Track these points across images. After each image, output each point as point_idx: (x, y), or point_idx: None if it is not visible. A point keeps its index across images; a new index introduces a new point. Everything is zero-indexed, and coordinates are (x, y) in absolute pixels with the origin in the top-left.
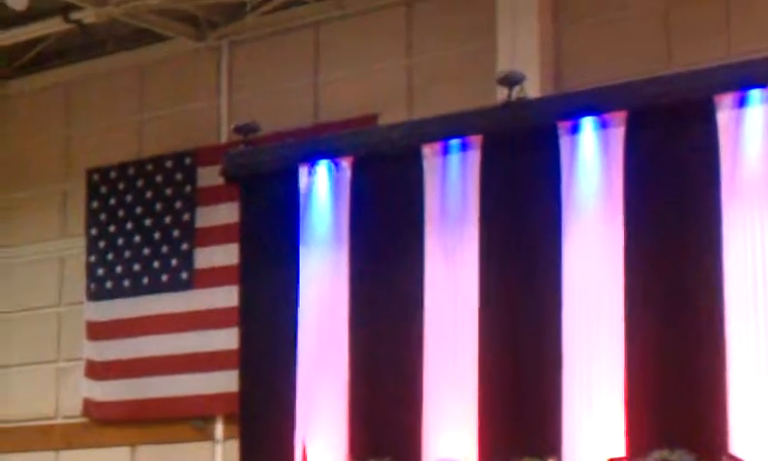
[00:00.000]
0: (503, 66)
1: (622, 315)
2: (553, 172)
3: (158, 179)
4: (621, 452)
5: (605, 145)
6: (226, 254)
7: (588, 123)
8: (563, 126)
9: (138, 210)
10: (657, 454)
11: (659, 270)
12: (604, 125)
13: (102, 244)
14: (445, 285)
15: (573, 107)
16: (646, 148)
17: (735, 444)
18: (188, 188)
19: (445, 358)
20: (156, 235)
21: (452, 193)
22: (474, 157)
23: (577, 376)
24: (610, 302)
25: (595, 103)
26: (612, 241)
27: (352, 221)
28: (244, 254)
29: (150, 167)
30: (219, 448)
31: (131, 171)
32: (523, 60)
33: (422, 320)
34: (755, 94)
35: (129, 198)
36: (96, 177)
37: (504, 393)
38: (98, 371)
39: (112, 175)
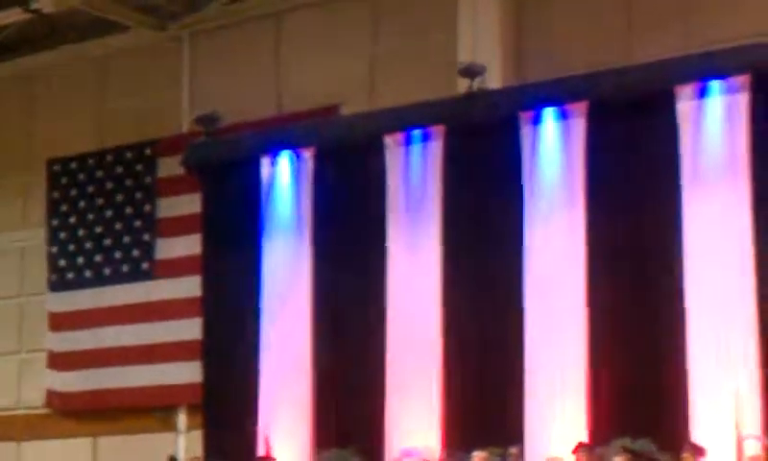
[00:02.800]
0: (464, 57)
1: (584, 304)
2: (515, 162)
3: (119, 169)
4: (584, 440)
5: (566, 135)
6: (187, 245)
7: (549, 113)
8: (524, 116)
9: (99, 201)
10: (619, 442)
11: (620, 258)
12: (565, 115)
13: (63, 235)
14: (408, 275)
15: (534, 97)
16: (607, 138)
17: (697, 432)
18: (149, 179)
19: (408, 348)
20: (118, 226)
21: (414, 183)
22: (436, 147)
23: (540, 366)
24: (572, 291)
25: (556, 94)
26: (573, 230)
27: (315, 211)
28: (206, 244)
29: (110, 158)
30: (182, 439)
31: (91, 162)
32: (484, 51)
33: (385, 309)
34: (714, 85)
35: (90, 189)
36: (57, 167)
37: (467, 383)
38: (60, 361)
39: (73, 166)
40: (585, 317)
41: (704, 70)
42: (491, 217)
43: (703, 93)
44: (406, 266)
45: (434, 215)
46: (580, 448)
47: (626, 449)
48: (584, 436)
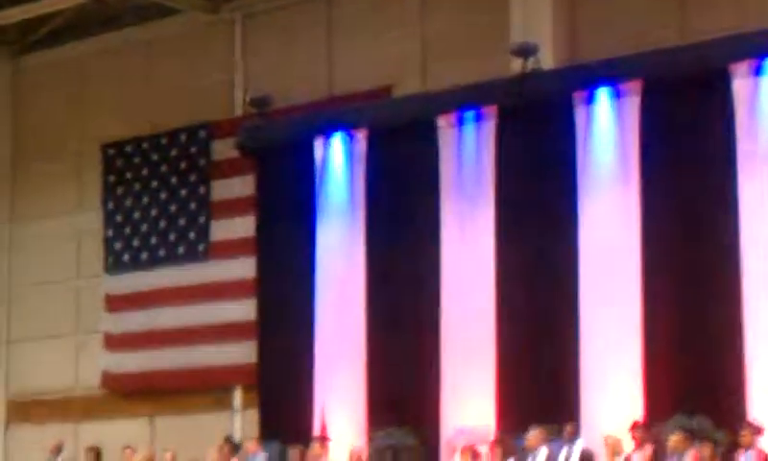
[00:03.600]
0: (517, 37)
1: (640, 283)
2: (568, 142)
3: (173, 152)
4: (640, 418)
5: (620, 115)
6: (242, 226)
7: (603, 93)
8: (578, 96)
9: (154, 184)
10: (676, 420)
11: (676, 238)
12: (619, 95)
13: (118, 218)
14: (462, 256)
15: (588, 77)
16: (662, 117)
17: (755, 411)
18: (203, 161)
19: (463, 328)
20: (173, 208)
21: (467, 164)
22: (489, 127)
23: (595, 344)
24: (627, 269)
25: (610, 73)
26: (628, 210)
27: (368, 192)
28: (260, 225)
29: (164, 141)
30: (237, 418)
31: (145, 145)
32: (537, 30)
33: (439, 290)
34: None
35: (144, 171)
36: (111, 151)
37: (522, 361)
38: (116, 343)
39: (127, 149)
40: (640, 297)
41: (759, 47)
42: (544, 197)
43: (758, 71)
44: (460, 247)
45: (487, 195)
46: (636, 426)
47: (682, 428)
48: (640, 414)
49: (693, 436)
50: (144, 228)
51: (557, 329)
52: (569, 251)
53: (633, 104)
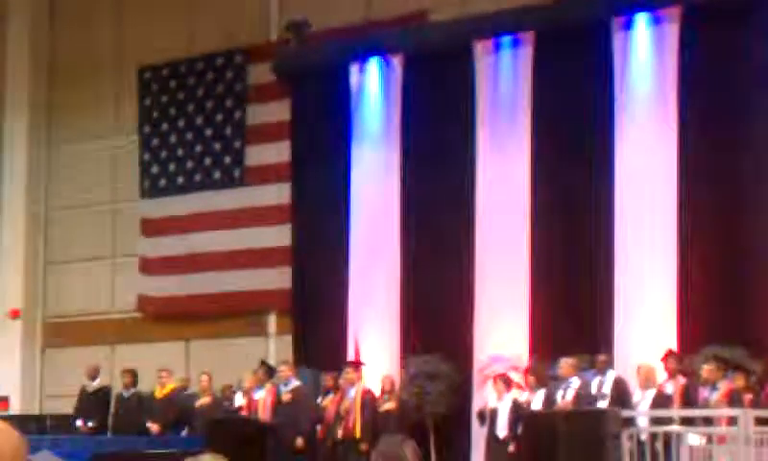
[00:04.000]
0: None
1: (675, 213)
2: (606, 68)
3: (209, 76)
4: (673, 348)
5: (659, 42)
6: (277, 152)
7: (641, 19)
8: (616, 22)
9: (190, 108)
10: (709, 350)
11: (714, 169)
12: (658, 21)
13: (155, 142)
14: (497, 184)
15: (626, 2)
16: (701, 45)
17: None
18: (239, 86)
19: (497, 255)
20: (208, 133)
21: (504, 90)
22: (526, 53)
23: (630, 275)
24: (663, 200)
25: None
26: (665, 139)
27: (403, 118)
28: (295, 151)
29: (201, 65)
30: (272, 343)
31: (182, 69)
32: None
33: (474, 218)
34: None
35: (180, 96)
36: (148, 75)
37: (556, 290)
38: (152, 267)
39: (164, 73)
40: (675, 227)
41: None
42: (581, 124)
43: None
44: (495, 174)
45: (523, 122)
46: (669, 355)
47: (716, 357)
48: (673, 344)
49: (726, 365)
50: (180, 152)
51: (591, 259)
52: (605, 179)
53: (671, 31)
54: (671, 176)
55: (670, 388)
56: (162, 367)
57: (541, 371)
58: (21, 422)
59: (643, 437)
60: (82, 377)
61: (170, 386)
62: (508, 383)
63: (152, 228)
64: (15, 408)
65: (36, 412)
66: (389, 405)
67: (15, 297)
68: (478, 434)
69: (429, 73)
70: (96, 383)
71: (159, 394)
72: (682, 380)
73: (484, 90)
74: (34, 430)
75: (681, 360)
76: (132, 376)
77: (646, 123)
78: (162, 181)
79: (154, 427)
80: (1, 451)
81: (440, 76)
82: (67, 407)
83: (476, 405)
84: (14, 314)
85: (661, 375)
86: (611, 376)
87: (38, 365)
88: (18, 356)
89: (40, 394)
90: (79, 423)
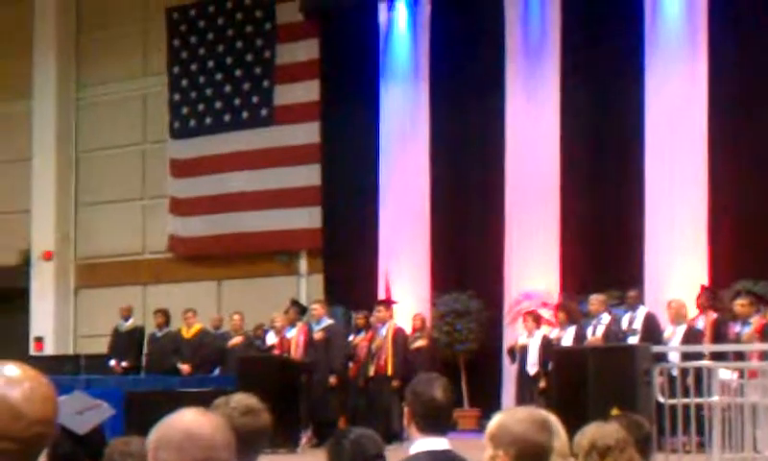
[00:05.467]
0: None
1: (706, 149)
2: (636, 2)
3: (238, 16)
4: (704, 284)
5: None
6: (306, 91)
7: None
8: None
9: (219, 49)
10: (740, 285)
11: (745, 105)
12: None
13: (184, 82)
14: (527, 122)
15: None
16: None
17: None
18: (268, 25)
19: (528, 193)
20: (238, 73)
21: (533, 27)
22: None
23: (660, 210)
24: (694, 135)
25: None
26: (695, 71)
27: (432, 56)
28: (324, 90)
29: (230, 5)
30: (303, 283)
31: (210, 9)
32: None
33: (504, 155)
34: None
35: (209, 36)
36: (176, 15)
37: (586, 226)
38: (182, 207)
39: (192, 13)
40: (706, 163)
41: None
42: (611, 59)
43: None
44: (525, 112)
45: (553, 60)
46: (701, 291)
47: (749, 292)
48: (704, 279)
49: (757, 300)
50: (209, 92)
51: (621, 195)
52: (636, 113)
53: None
54: (702, 111)
55: (701, 323)
56: (189, 308)
57: (572, 307)
58: (55, 362)
59: (674, 372)
60: (115, 318)
61: (197, 326)
62: (538, 320)
63: (181, 168)
64: (50, 349)
65: (71, 352)
66: (420, 343)
67: (48, 239)
68: (509, 371)
69: (458, 11)
70: (129, 323)
71: (187, 334)
72: (713, 315)
73: (513, 27)
74: (68, 370)
75: (715, 296)
76: (165, 316)
77: (677, 59)
78: (192, 122)
79: (185, 368)
80: (32, 401)
81: (468, 12)
82: (101, 347)
83: (507, 342)
84: (47, 256)
85: (693, 310)
86: (641, 312)
87: (72, 306)
88: (52, 298)
89: (74, 334)
90: (112, 362)
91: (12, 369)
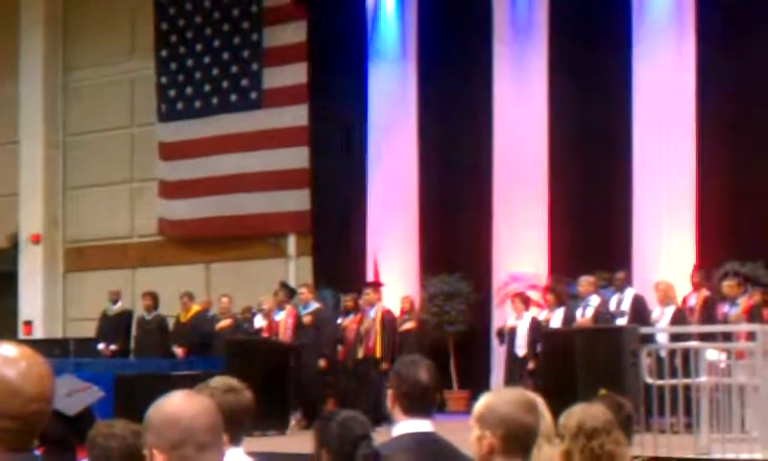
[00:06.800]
0: None
1: (694, 129)
2: None
3: None
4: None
5: None
6: (294, 74)
7: None
8: None
9: (207, 31)
10: (728, 266)
11: (732, 83)
12: None
13: (172, 65)
14: (514, 101)
15: None
16: None
17: None
18: (255, 8)
19: (515, 173)
20: (225, 56)
21: (521, 8)
22: None
23: (648, 192)
24: (681, 114)
25: None
26: (683, 53)
27: (420, 37)
28: (312, 72)
29: None
30: (292, 265)
31: None
32: None
33: (492, 136)
34: None
35: (197, 19)
36: None
37: (575, 208)
38: (171, 190)
39: None
40: (693, 141)
41: None
42: (598, 38)
43: None
44: (512, 92)
45: (541, 36)
46: (697, 269)
47: (737, 273)
48: (692, 260)
49: (745, 281)
50: (197, 75)
51: (610, 177)
52: (623, 92)
53: None
54: (690, 93)
55: (693, 301)
56: (183, 291)
57: (560, 289)
58: (45, 346)
59: (662, 353)
60: (103, 301)
61: (194, 309)
62: (527, 302)
63: (169, 151)
64: (39, 332)
65: (59, 336)
66: (409, 325)
67: (36, 222)
68: (497, 353)
69: None
70: (117, 307)
71: (184, 318)
72: (705, 293)
73: (501, 7)
74: (57, 354)
75: (708, 276)
76: (153, 299)
77: (665, 41)
78: (180, 105)
79: (179, 351)
80: (28, 378)
81: None
82: (90, 331)
83: (495, 324)
84: (35, 239)
85: (680, 291)
86: (629, 294)
87: (60, 289)
88: (40, 281)
89: (63, 318)
90: (101, 346)
91: (8, 348)
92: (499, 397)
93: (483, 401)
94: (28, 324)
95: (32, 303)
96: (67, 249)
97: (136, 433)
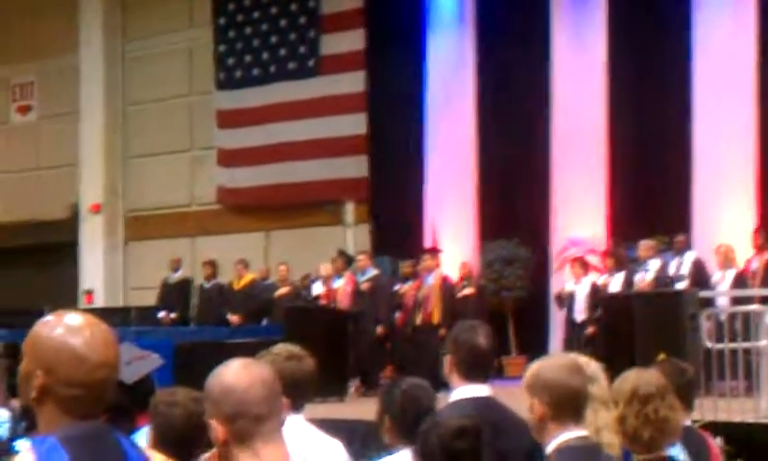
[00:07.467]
0: None
1: (755, 94)
2: None
3: None
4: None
5: None
6: (352, 41)
7: None
8: None
9: None
10: None
11: None
12: None
13: (230, 33)
14: (573, 69)
15: None
16: None
17: None
18: None
19: (574, 139)
20: (283, 23)
21: None
22: None
23: (709, 154)
24: (741, 78)
25: None
26: (744, 18)
27: (478, 2)
28: (370, 38)
29: None
30: (350, 232)
31: None
32: None
33: (551, 103)
34: None
35: None
36: None
37: (634, 172)
38: (230, 158)
39: None
40: (755, 104)
41: None
42: (657, 5)
43: None
44: (571, 60)
45: (599, 7)
46: (758, 230)
47: None
48: (752, 224)
49: None
50: (255, 43)
51: (670, 141)
52: (683, 59)
53: None
54: (751, 55)
55: (756, 263)
56: (239, 259)
57: (620, 253)
58: (106, 315)
59: (722, 317)
60: (164, 270)
61: (248, 277)
62: (585, 266)
63: (228, 119)
64: (100, 301)
65: (120, 304)
66: (467, 291)
67: (96, 192)
68: (556, 318)
69: None
70: (177, 275)
71: (237, 285)
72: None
73: None
74: (118, 322)
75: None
76: (213, 267)
77: (726, 3)
78: (238, 73)
79: (234, 319)
80: (93, 346)
81: None
82: (150, 299)
83: (554, 289)
84: (95, 209)
85: (741, 255)
86: (689, 257)
87: (121, 258)
88: (101, 250)
89: (124, 286)
90: (161, 314)
91: (73, 317)
92: (545, 363)
93: (530, 370)
94: (89, 293)
95: (93, 272)
96: (127, 218)
97: (197, 400)
